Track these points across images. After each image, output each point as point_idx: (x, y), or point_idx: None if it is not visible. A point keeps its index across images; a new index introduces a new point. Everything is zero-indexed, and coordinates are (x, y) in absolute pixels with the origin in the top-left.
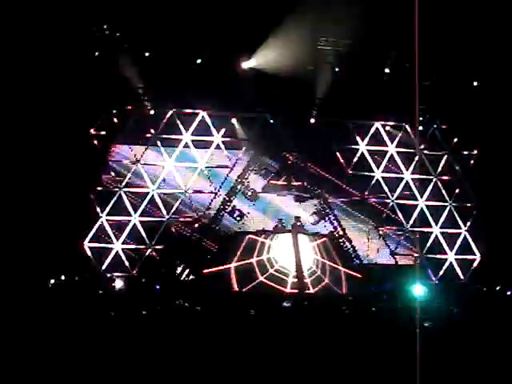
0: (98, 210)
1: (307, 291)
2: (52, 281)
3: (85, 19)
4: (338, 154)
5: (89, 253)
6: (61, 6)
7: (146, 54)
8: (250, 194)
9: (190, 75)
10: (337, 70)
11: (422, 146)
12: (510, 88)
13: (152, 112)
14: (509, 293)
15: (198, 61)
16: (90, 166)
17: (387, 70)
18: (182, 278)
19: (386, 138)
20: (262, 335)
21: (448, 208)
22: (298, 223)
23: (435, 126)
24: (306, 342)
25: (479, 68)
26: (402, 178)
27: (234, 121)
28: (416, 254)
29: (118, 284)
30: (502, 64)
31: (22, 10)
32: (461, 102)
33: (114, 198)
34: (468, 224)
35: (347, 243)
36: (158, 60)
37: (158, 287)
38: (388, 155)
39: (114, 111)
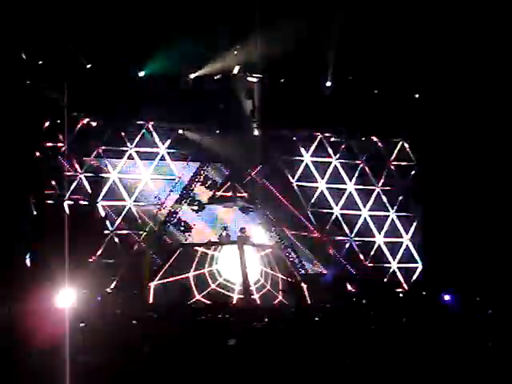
0: None
1: (252, 297)
2: None
3: None
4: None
5: None
6: None
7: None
8: (195, 205)
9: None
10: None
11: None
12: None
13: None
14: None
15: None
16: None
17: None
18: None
19: (329, 149)
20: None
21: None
22: (244, 234)
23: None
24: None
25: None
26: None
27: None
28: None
29: None
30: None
31: None
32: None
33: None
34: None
35: (292, 253)
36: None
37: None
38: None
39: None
